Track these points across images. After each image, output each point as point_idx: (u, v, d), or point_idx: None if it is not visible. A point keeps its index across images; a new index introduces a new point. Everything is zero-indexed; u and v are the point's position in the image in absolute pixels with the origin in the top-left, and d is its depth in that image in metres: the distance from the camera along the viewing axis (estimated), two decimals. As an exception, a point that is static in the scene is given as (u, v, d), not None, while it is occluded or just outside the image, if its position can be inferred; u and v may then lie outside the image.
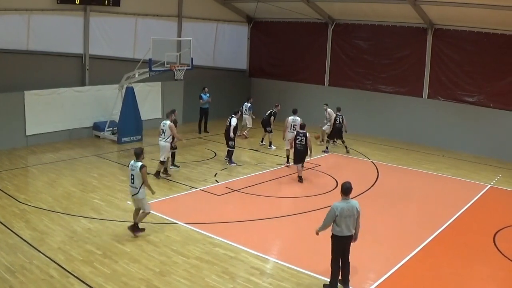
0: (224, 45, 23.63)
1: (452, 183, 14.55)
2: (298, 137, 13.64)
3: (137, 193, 9.40)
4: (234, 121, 15.11)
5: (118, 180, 13.31)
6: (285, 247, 9.73)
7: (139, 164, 9.36)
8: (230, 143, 15.20)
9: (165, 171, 13.76)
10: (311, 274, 8.30)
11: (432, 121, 19.15)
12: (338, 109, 17.38)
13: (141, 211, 9.66)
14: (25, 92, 16.36)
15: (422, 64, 19.33)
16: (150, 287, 7.68)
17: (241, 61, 24.88)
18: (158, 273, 8.13)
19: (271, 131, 17.62)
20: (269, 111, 17.81)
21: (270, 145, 17.64)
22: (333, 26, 21.72)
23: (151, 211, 10.93)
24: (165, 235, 9.71)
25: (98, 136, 18.13)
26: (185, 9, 21.52)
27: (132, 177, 9.39)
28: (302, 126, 14.01)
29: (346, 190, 7.57)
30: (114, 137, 17.72)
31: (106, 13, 18.74)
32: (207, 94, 19.76)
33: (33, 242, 9.06)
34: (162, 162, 13.43)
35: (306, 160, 13.88)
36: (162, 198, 11.95)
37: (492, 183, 14.44)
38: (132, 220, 9.73)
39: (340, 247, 7.60)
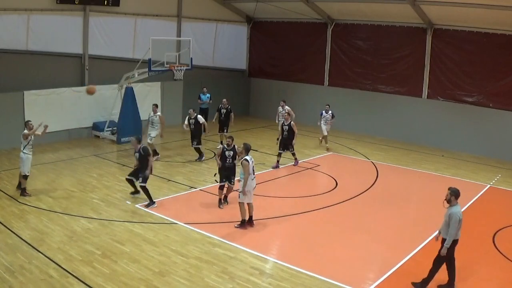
0: (223, 45, 23.62)
1: (451, 183, 14.42)
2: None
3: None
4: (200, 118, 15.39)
5: (117, 180, 13.30)
6: (285, 247, 9.72)
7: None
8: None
9: (24, 190, 11.65)
10: (311, 274, 8.29)
11: (432, 121, 19.14)
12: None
13: (251, 202, 10.19)
14: (25, 92, 16.37)
15: (421, 64, 19.33)
16: (150, 287, 7.68)
17: (241, 61, 24.87)
18: (158, 273, 8.13)
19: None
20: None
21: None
22: (332, 26, 21.73)
23: (151, 211, 10.97)
24: (165, 235, 9.71)
25: (98, 136, 18.13)
26: (184, 9, 21.52)
27: (253, 168, 10.07)
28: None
29: (459, 193, 7.74)
30: (114, 137, 17.71)
31: (106, 13, 18.75)
32: (207, 95, 19.75)
33: (32, 242, 9.05)
34: (25, 177, 11.60)
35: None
36: (162, 198, 11.95)
37: (491, 183, 14.44)
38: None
39: (454, 250, 7.80)
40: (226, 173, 11.44)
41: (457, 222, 7.58)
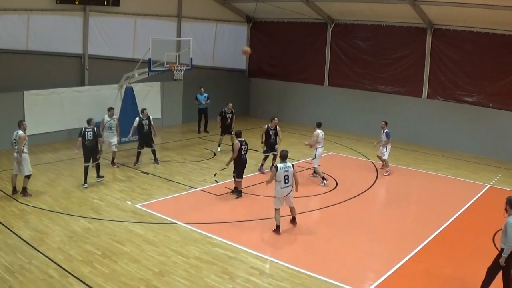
0: (223, 45, 23.62)
1: (451, 183, 14.55)
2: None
3: (291, 190, 10.10)
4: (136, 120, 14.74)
5: (117, 180, 13.32)
6: (285, 247, 9.72)
7: (290, 163, 10.18)
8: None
9: (25, 190, 11.73)
10: (311, 274, 8.30)
11: (432, 121, 19.14)
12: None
13: (292, 206, 10.38)
14: (25, 92, 16.38)
15: (421, 64, 19.33)
16: (150, 287, 7.68)
17: (241, 61, 24.84)
18: (158, 273, 8.13)
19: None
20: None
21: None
22: (332, 26, 21.73)
23: (151, 211, 10.98)
24: (165, 235, 9.71)
25: (98, 136, 18.12)
26: (184, 9, 21.53)
27: (287, 177, 9.99)
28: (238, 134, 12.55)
29: None
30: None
31: (106, 13, 18.75)
32: (204, 95, 19.72)
33: (32, 242, 9.06)
34: (28, 177, 11.66)
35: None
36: (162, 198, 11.96)
37: (491, 183, 14.44)
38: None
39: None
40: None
41: None
